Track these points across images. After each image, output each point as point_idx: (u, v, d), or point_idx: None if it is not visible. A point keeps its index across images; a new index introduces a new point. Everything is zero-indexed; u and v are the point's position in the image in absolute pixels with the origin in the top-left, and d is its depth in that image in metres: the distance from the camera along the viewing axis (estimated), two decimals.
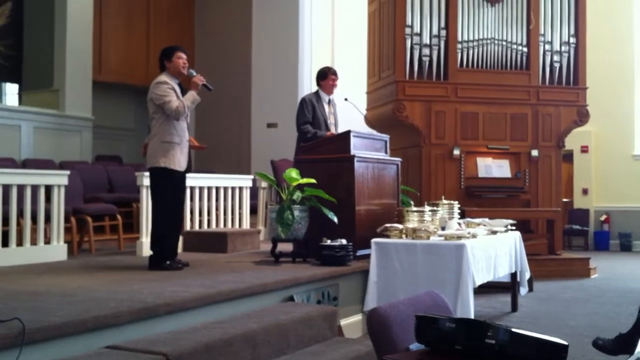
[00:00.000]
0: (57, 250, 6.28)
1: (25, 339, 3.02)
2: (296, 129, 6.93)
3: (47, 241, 6.28)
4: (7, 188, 5.87)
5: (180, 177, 5.66)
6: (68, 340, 3.28)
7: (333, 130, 6.91)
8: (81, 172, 7.98)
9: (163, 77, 5.59)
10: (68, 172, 6.53)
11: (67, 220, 6.64)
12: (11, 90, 11.42)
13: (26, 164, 9.02)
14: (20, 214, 6.03)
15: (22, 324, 3.05)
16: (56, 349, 3.22)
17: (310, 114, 6.80)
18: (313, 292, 5.18)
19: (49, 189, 6.24)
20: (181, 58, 5.65)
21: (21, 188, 5.98)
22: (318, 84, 7.05)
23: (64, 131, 10.51)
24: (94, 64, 11.23)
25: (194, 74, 5.69)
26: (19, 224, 6.03)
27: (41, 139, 10.14)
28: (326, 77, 6.98)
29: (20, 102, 11.16)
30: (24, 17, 11.29)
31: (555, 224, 9.65)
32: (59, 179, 6.34)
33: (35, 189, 6.11)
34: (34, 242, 6.12)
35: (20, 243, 6.01)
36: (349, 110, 7.82)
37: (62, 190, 6.32)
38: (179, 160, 5.56)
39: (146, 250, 6.28)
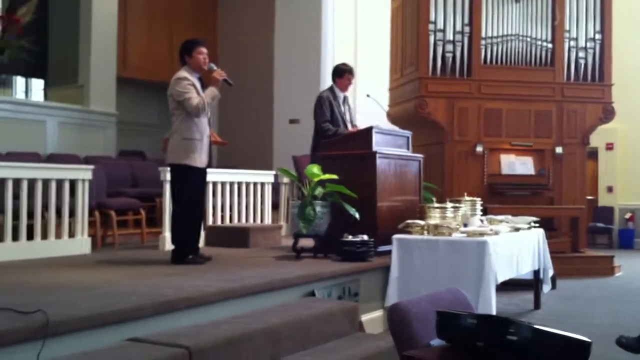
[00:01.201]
0: (81, 244, 6.35)
1: (48, 331, 3.06)
2: (315, 127, 6.90)
3: (72, 235, 6.35)
4: (32, 182, 5.94)
5: (200, 173, 5.67)
6: (91, 333, 3.31)
7: (349, 126, 6.89)
8: (105, 167, 8.04)
9: (183, 73, 5.58)
10: (92, 167, 6.60)
11: (91, 214, 6.70)
12: (37, 86, 11.54)
13: (51, 158, 9.11)
14: (45, 207, 6.10)
15: (45, 316, 3.08)
16: (79, 341, 3.25)
17: (328, 111, 6.78)
18: (334, 288, 5.18)
19: (73, 183, 6.30)
20: (202, 53, 5.63)
21: (46, 182, 6.05)
22: (333, 80, 7.02)
23: (88, 126, 10.60)
24: (118, 61, 11.32)
25: (215, 68, 5.65)
26: (43, 217, 6.10)
27: (66, 134, 10.24)
28: (342, 75, 6.95)
29: (46, 97, 11.28)
30: (49, 14, 11.40)
31: (580, 222, 9.55)
32: (84, 173, 6.41)
33: (60, 183, 6.18)
34: (58, 235, 6.19)
35: (45, 236, 6.09)
36: (371, 106, 7.80)
37: (87, 184, 6.39)
38: (200, 157, 5.57)
39: (169, 244, 6.32)
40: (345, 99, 7.00)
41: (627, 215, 13.70)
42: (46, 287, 4.22)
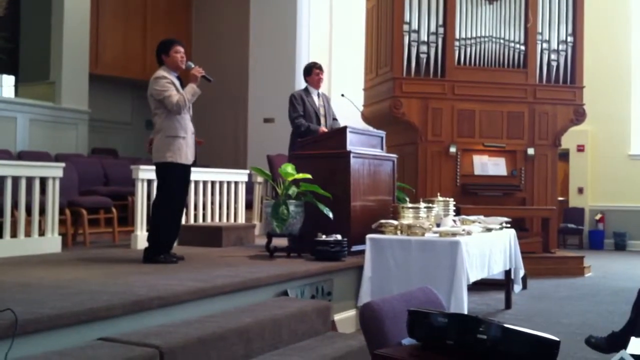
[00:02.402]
0: (51, 243, 6.27)
1: (17, 330, 3.02)
2: (290, 125, 6.95)
3: (42, 233, 6.28)
4: (2, 179, 5.86)
5: (186, 170, 5.65)
6: (61, 332, 3.28)
7: (323, 121, 6.93)
8: (77, 164, 7.96)
9: (161, 72, 5.56)
10: (63, 165, 6.52)
11: (61, 212, 6.63)
12: (8, 82, 11.39)
13: (22, 156, 9.00)
14: (15, 205, 6.02)
15: (14, 315, 3.04)
16: (49, 340, 3.22)
17: (300, 107, 6.84)
18: (307, 287, 5.18)
19: (44, 181, 6.23)
20: (179, 52, 5.62)
21: (16, 180, 5.96)
22: (305, 80, 7.10)
23: (59, 124, 10.49)
24: (91, 57, 11.22)
25: (193, 65, 5.66)
26: (13, 215, 6.02)
27: (37, 131, 10.12)
28: (310, 72, 7.06)
29: (17, 94, 11.13)
30: (20, 10, 11.26)
31: (551, 223, 9.66)
32: (54, 171, 6.33)
33: (30, 180, 6.10)
34: (28, 234, 6.11)
35: (14, 234, 6.00)
36: (345, 106, 7.82)
37: (57, 182, 6.31)
38: (185, 153, 5.55)
39: (141, 243, 6.27)
40: (320, 95, 7.04)
41: (598, 217, 13.89)
42: (15, 286, 4.16)
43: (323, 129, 6.78)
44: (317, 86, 7.04)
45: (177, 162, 5.50)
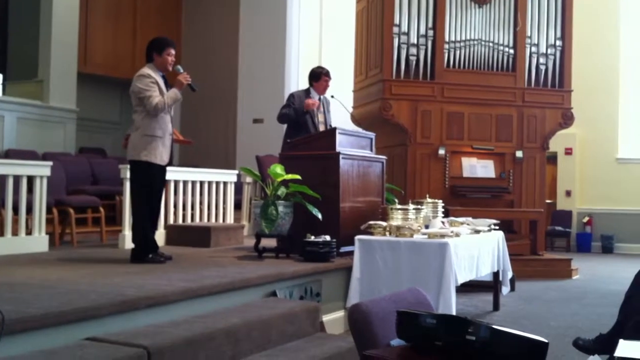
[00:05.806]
0: (39, 242, 6.23)
1: (4, 330, 2.99)
2: (277, 119, 6.96)
3: (29, 232, 6.24)
4: None
5: (161, 170, 5.62)
6: (48, 332, 3.26)
7: (322, 128, 6.89)
8: (64, 163, 7.93)
9: (147, 70, 5.53)
10: (51, 163, 6.49)
11: (49, 211, 6.59)
12: None
13: (9, 154, 8.93)
14: (2, 204, 5.98)
15: (1, 314, 3.02)
16: (36, 340, 3.20)
17: (295, 104, 6.81)
18: (296, 288, 5.18)
19: (31, 179, 6.19)
20: (171, 55, 5.60)
21: (3, 178, 5.92)
22: (310, 84, 7.04)
23: (47, 122, 10.43)
24: (80, 56, 11.16)
25: (181, 71, 5.61)
26: (0, 214, 5.97)
27: (24, 129, 10.05)
28: (319, 78, 7.00)
29: (4, 92, 11.06)
30: (9, 7, 11.19)
31: (538, 225, 9.71)
32: (42, 169, 6.29)
33: (17, 179, 6.06)
34: (15, 232, 6.07)
35: (1, 233, 5.96)
36: (335, 107, 7.83)
37: (45, 181, 6.27)
38: (160, 153, 5.52)
39: (128, 243, 6.25)
40: (320, 99, 7.01)
41: (585, 219, 13.97)
42: (2, 285, 4.13)
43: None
44: (321, 92, 7.02)
45: (152, 162, 5.48)
